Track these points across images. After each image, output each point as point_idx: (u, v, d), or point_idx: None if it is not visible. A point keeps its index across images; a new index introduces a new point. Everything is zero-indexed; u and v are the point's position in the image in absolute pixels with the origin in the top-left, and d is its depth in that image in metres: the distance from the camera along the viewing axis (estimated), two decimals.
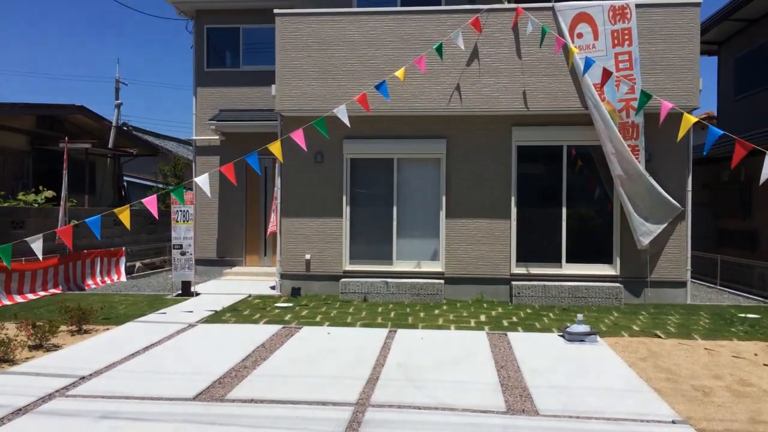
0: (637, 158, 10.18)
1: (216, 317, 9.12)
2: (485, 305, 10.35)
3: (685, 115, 8.42)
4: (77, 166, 17.08)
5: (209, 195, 9.15)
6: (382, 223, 11.15)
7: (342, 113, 9.43)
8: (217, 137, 14.85)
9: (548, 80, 10.38)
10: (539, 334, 8.19)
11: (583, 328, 7.79)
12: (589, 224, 10.86)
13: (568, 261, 10.78)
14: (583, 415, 5.06)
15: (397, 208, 11.10)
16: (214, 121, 14.35)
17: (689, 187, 10.62)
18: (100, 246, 14.22)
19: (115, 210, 8.67)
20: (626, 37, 10.15)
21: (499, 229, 10.87)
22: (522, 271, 10.82)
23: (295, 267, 11.30)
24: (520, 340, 7.77)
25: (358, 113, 10.07)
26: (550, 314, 9.54)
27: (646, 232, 10.34)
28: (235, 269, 14.39)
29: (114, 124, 18.38)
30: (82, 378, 5.94)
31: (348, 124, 9.47)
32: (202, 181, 9.01)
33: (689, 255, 10.64)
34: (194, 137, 15.39)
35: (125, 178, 25.15)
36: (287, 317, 9.17)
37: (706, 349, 7.50)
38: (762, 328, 8.65)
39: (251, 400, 5.31)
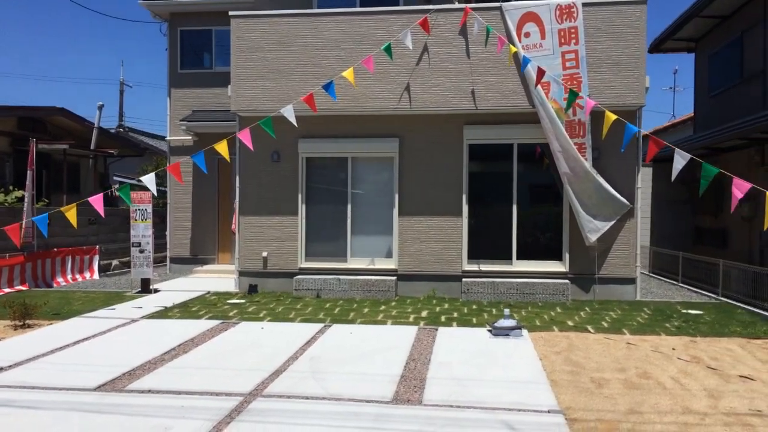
0: (583, 156, 10.28)
1: (162, 313, 9.36)
2: (434, 301, 10.50)
3: (607, 113, 8.53)
4: (58, 167, 17.42)
5: (155, 194, 9.38)
6: (337, 221, 11.33)
7: (289, 113, 9.62)
8: (190, 137, 15.09)
9: (496, 79, 10.49)
10: (471, 329, 8.33)
11: (510, 323, 7.92)
12: (540, 221, 10.97)
13: (518, 258, 10.89)
14: (465, 404, 5.21)
15: (351, 207, 11.27)
16: (185, 122, 14.60)
17: (639, 184, 10.69)
18: (72, 244, 14.53)
19: (62, 209, 8.94)
20: (573, 35, 10.25)
21: (451, 226, 11.01)
22: (473, 268, 10.95)
23: (252, 264, 11.51)
24: (447, 335, 7.91)
25: (313, 113, 10.27)
26: (493, 310, 9.67)
27: (594, 229, 10.43)
28: (206, 267, 14.64)
29: (96, 125, 18.70)
30: (0, 369, 6.18)
31: (295, 124, 9.65)
32: (149, 180, 9.23)
33: (638, 252, 10.72)
34: (168, 138, 15.66)
35: (117, 178, 25.57)
36: (232, 313, 9.38)
37: (628, 343, 7.60)
38: (696, 323, 8.72)
39: (149, 391, 5.51)
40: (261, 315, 9.25)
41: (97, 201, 8.90)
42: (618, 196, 10.40)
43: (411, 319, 8.97)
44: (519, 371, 6.25)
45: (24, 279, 12.20)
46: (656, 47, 18.16)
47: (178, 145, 15.35)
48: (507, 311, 8.16)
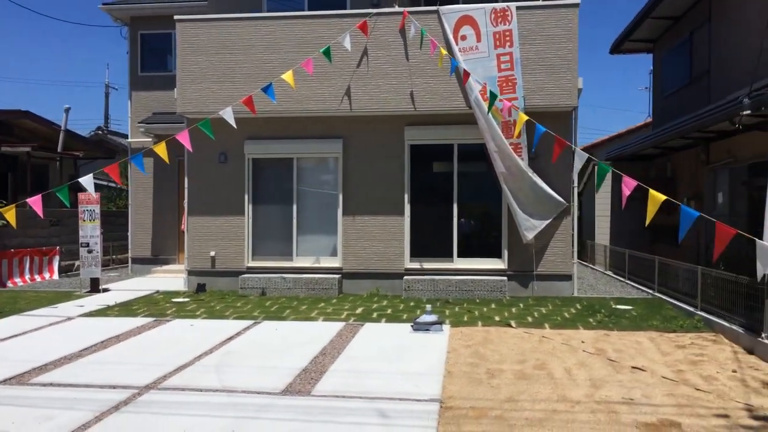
0: (519, 156, 10.51)
1: (101, 312, 9.55)
2: (376, 299, 10.72)
3: (520, 114, 8.76)
4: (23, 169, 17.58)
5: (94, 194, 9.55)
6: (283, 221, 11.54)
7: (228, 115, 9.80)
8: (150, 139, 15.27)
9: (435, 81, 10.72)
10: (397, 324, 8.55)
11: (430, 318, 8.14)
12: (480, 220, 11.19)
13: (459, 256, 11.12)
14: (350, 395, 5.42)
15: (297, 206, 11.49)
16: (144, 124, 14.80)
17: (575, 183, 10.93)
18: (33, 245, 14.70)
19: (1, 210, 9.12)
20: (507, 38, 10.48)
21: (394, 225, 11.23)
22: (416, 266, 11.17)
23: (200, 263, 11.71)
24: (370, 331, 8.13)
25: (259, 114, 10.51)
26: (428, 306, 9.86)
27: (531, 227, 10.66)
28: (166, 267, 14.82)
29: (63, 127, 18.86)
30: None
31: (234, 126, 9.83)
32: (87, 181, 9.42)
33: (575, 249, 10.96)
34: (129, 140, 15.86)
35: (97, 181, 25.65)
36: (170, 311, 9.58)
37: (543, 337, 7.83)
38: (619, 318, 8.96)
39: (50, 384, 5.71)
40: (198, 313, 9.45)
41: (35, 202, 9.06)
42: (554, 194, 10.63)
43: (343, 316, 9.18)
44: (421, 364, 6.47)
45: None
46: (616, 48, 18.43)
47: (138, 147, 15.48)
48: (429, 307, 8.39)
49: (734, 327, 7.58)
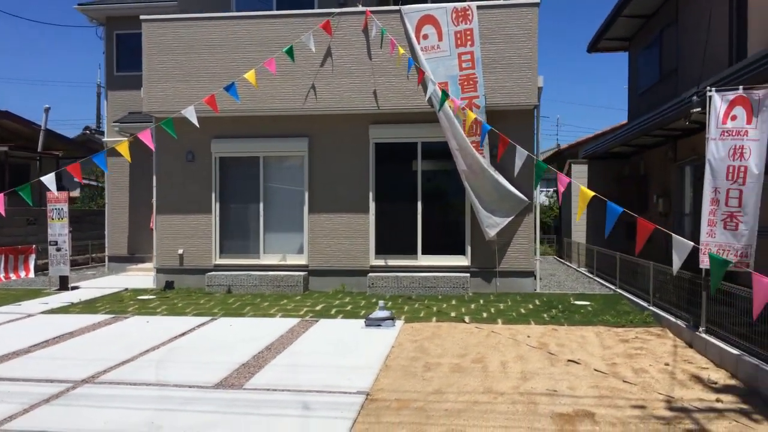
0: (481, 153, 10.60)
1: (63, 309, 9.65)
2: (340, 295, 10.82)
3: (468, 111, 8.89)
4: (0, 169, 17.67)
5: (56, 193, 9.64)
6: (251, 219, 11.65)
7: (191, 114, 9.87)
8: (126, 138, 15.34)
9: (397, 80, 10.82)
10: (351, 320, 8.65)
11: (383, 314, 8.25)
12: (443, 217, 11.31)
13: (423, 253, 11.23)
14: (281, 388, 5.53)
15: (263, 204, 11.59)
16: (118, 123, 14.90)
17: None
18: (10, 243, 14.79)
19: None
20: (468, 37, 10.58)
21: (359, 223, 11.33)
22: (381, 263, 11.28)
23: (169, 261, 11.81)
24: (323, 327, 8.25)
25: (226, 114, 10.63)
26: (389, 303, 9.99)
27: (493, 224, 10.77)
28: (141, 265, 14.92)
29: (43, 127, 18.97)
30: None
31: (197, 125, 9.90)
32: (49, 180, 9.53)
33: (537, 246, 11.07)
34: (106, 139, 15.94)
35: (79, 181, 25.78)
36: (131, 308, 9.68)
37: (492, 332, 7.94)
38: (573, 313, 9.07)
39: None
40: (159, 310, 9.56)
41: None
42: (516, 192, 10.73)
43: (302, 312, 9.29)
44: (362, 358, 6.57)
45: None
46: (593, 47, 18.55)
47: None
48: (381, 303, 8.49)
49: (678, 322, 7.69)
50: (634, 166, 16.36)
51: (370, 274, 11.02)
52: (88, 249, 17.79)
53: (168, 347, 7.10)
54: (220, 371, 6.05)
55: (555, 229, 22.88)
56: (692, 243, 5.20)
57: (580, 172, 18.29)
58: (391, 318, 8.26)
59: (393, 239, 11.33)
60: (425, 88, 10.46)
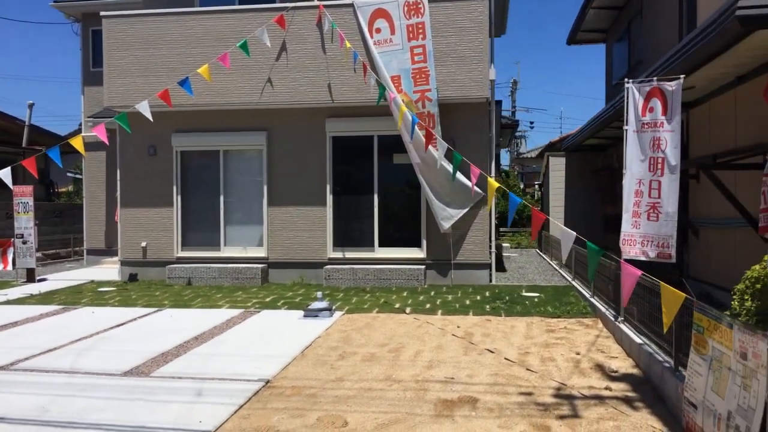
0: (434, 147, 10.67)
1: (20, 300, 9.88)
2: (296, 288, 10.97)
3: (402, 106, 8.92)
4: None
5: (11, 186, 9.83)
6: (211, 212, 11.81)
7: (144, 108, 10.00)
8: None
9: (351, 74, 10.90)
10: (293, 311, 8.80)
11: (321, 305, 8.39)
12: (400, 210, 11.40)
13: (380, 245, 11.34)
14: (185, 376, 5.68)
15: (224, 198, 11.75)
16: (92, 119, 15.11)
17: (492, 173, 11.09)
18: None
19: None
20: (420, 31, 10.64)
21: (317, 216, 11.46)
22: (338, 255, 11.41)
23: (132, 254, 12.02)
24: (261, 317, 8.40)
25: (186, 108, 10.82)
26: (339, 294, 10.13)
27: (447, 216, 10.85)
28: (116, 258, 15.13)
29: (27, 123, 19.26)
30: None
31: (150, 119, 10.03)
32: (4, 174, 9.72)
33: (492, 238, 11.13)
34: (83, 134, 16.15)
35: (71, 174, 26.26)
36: (85, 300, 9.89)
37: (427, 322, 8.05)
38: (515, 305, 9.15)
39: None
40: (111, 301, 9.75)
41: None
42: (470, 184, 10.78)
43: (249, 304, 9.45)
44: (282, 347, 6.71)
45: None
46: (571, 39, 18.51)
47: (90, 141, 15.80)
48: (320, 294, 8.63)
49: (607, 313, 7.75)
50: (608, 158, 16.35)
51: (327, 267, 11.15)
52: (71, 242, 18.09)
53: (99, 336, 7.28)
54: (136, 360, 6.21)
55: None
56: (574, 233, 5.28)
57: (557, 164, 18.31)
58: (329, 309, 8.39)
59: (350, 232, 11.45)
60: (396, 82, 10.56)
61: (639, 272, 4.50)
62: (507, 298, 9.73)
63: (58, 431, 4.35)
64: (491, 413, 4.73)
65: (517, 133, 44.16)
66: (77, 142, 9.76)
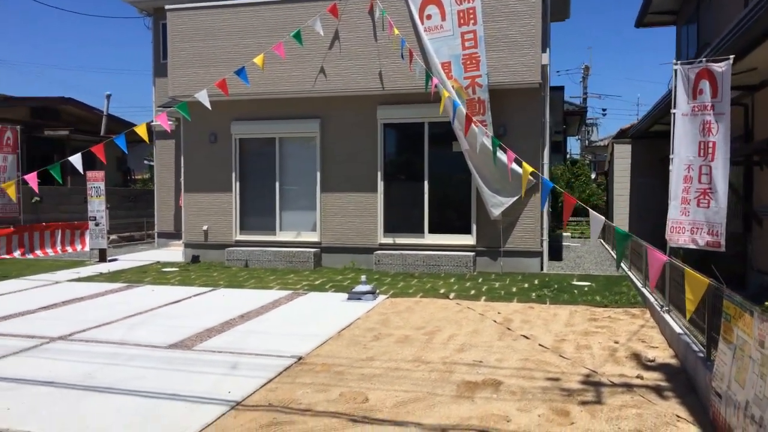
0: (478, 127, 10.59)
1: (89, 278, 10.56)
2: (347, 272, 11.19)
3: (443, 90, 8.85)
4: (63, 151, 19.20)
5: (82, 171, 10.51)
6: (268, 197, 12.20)
7: (203, 98, 10.42)
8: (171, 122, 16.30)
9: (401, 61, 10.93)
10: (337, 294, 9.01)
11: (364, 288, 8.56)
12: (450, 196, 11.40)
13: (430, 232, 11.39)
14: (225, 350, 5.97)
15: (279, 184, 12.11)
16: (162, 108, 15.82)
17: (545, 160, 10.92)
18: (67, 219, 16.15)
19: (4, 185, 10.27)
20: (471, 16, 10.55)
21: (368, 202, 11.63)
22: (389, 241, 11.55)
23: (195, 237, 12.59)
24: (307, 299, 8.67)
25: (244, 97, 11.25)
26: (387, 279, 10.28)
27: (497, 203, 10.77)
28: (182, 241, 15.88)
29: (105, 112, 20.38)
30: None
31: (209, 107, 10.43)
32: (76, 160, 10.40)
33: (544, 226, 10.96)
34: (154, 123, 16.96)
35: (148, 162, 27.61)
36: (147, 279, 10.47)
37: (468, 308, 8.07)
38: (562, 293, 9.01)
39: None
40: (172, 281, 10.28)
41: (31, 178, 10.13)
42: (521, 171, 10.64)
43: (299, 286, 9.73)
44: (320, 327, 6.92)
45: (10, 249, 13.81)
46: (640, 22, 17.81)
47: (161, 130, 16.62)
48: (363, 278, 8.79)
49: (655, 302, 7.53)
50: None
51: (377, 252, 11.31)
52: (144, 226, 19.09)
53: (154, 312, 7.72)
54: (183, 334, 6.57)
55: (603, 212, 22.21)
56: (603, 217, 5.15)
57: (622, 152, 17.71)
58: (372, 292, 8.54)
59: (401, 218, 11.55)
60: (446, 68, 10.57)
61: (665, 257, 4.37)
62: (555, 286, 9.58)
63: (98, 396, 4.69)
64: (513, 396, 4.74)
65: (588, 121, 42.89)
66: (142, 130, 10.28)
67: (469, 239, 11.20)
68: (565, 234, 18.84)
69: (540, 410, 4.45)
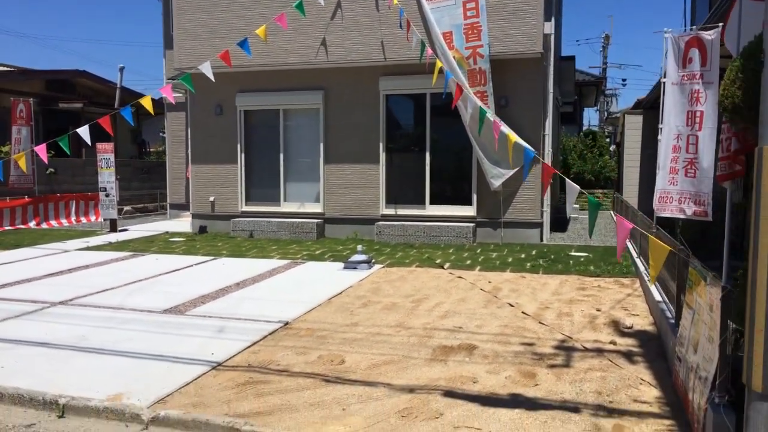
0: (485, 104, 10.61)
1: (98, 247, 10.88)
2: (348, 242, 11.37)
3: (437, 62, 8.86)
4: (78, 124, 19.51)
5: (89, 143, 10.75)
6: (272, 169, 12.37)
7: (206, 69, 10.51)
8: (181, 94, 16.49)
9: (402, 32, 10.92)
10: (334, 263, 9.19)
11: (360, 257, 8.72)
12: (451, 167, 11.46)
13: (431, 203, 11.49)
14: (215, 315, 6.20)
15: (283, 155, 12.26)
16: (172, 80, 15.99)
17: (546, 131, 10.91)
18: (81, 191, 16.53)
19: (15, 156, 10.56)
20: None
21: (370, 173, 11.74)
22: (390, 212, 11.68)
23: (202, 208, 12.84)
24: (305, 267, 8.87)
25: (248, 68, 11.36)
26: (387, 249, 10.43)
27: (497, 175, 10.81)
28: None
29: (119, 85, 20.60)
30: None
31: (212, 79, 10.53)
32: (83, 132, 10.63)
33: (544, 197, 10.99)
34: (164, 95, 17.14)
35: (162, 135, 27.89)
36: (153, 248, 10.75)
37: (459, 277, 8.20)
38: (556, 264, 9.09)
39: None
40: (177, 250, 10.55)
41: (41, 150, 10.41)
42: (522, 142, 10.62)
43: (299, 256, 9.93)
44: (312, 294, 7.11)
45: (26, 219, 14.22)
46: None
47: (169, 102, 16.80)
48: (360, 248, 8.95)
49: (645, 272, 7.58)
50: None
51: (378, 223, 11.45)
52: (157, 197, 19.45)
53: (155, 279, 7.98)
54: (178, 300, 6.81)
55: (615, 184, 22.06)
56: (578, 186, 5.19)
57: (633, 123, 17.51)
58: (367, 262, 8.70)
59: (402, 189, 11.66)
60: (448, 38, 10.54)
61: (631, 225, 4.44)
62: (552, 256, 9.65)
63: (88, 356, 4.94)
64: (485, 360, 4.89)
65: (608, 91, 42.20)
66: (147, 102, 10.45)
67: (469, 210, 11.28)
68: (574, 205, 18.78)
69: (508, 372, 4.60)
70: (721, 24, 6.18)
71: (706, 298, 3.64)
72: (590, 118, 71.32)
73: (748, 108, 2.64)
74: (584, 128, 30.92)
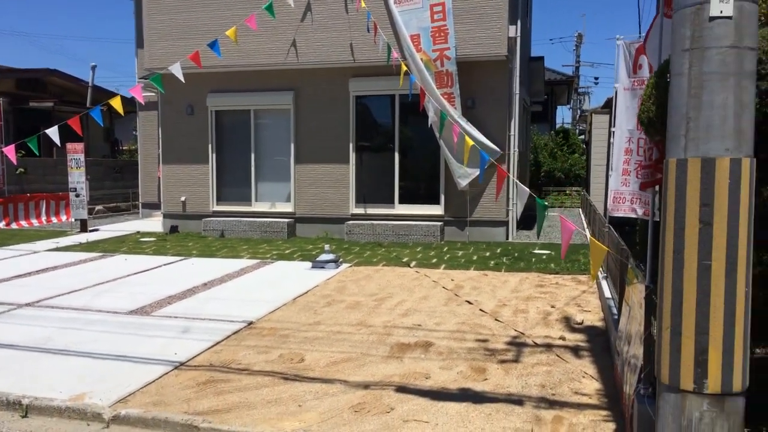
0: (452, 105, 10.83)
1: (68, 248, 10.90)
2: (319, 242, 11.53)
3: (402, 63, 9.05)
4: (49, 123, 19.36)
5: (59, 144, 10.76)
6: (243, 169, 12.47)
7: (177, 70, 10.59)
8: (153, 94, 16.48)
9: (371, 34, 11.10)
10: (303, 263, 9.34)
11: (328, 257, 8.89)
12: (420, 167, 11.68)
13: (400, 202, 11.70)
14: (180, 316, 6.32)
15: (255, 155, 12.37)
16: (143, 80, 15.98)
17: (512, 131, 11.17)
18: (53, 191, 16.43)
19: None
20: None
21: (340, 173, 11.90)
22: (360, 211, 11.86)
23: (173, 207, 12.90)
24: (272, 267, 9.01)
25: (219, 69, 11.43)
26: (356, 248, 10.62)
27: (464, 174, 11.04)
28: None
29: (90, 83, 20.52)
30: None
31: (182, 80, 10.62)
32: (53, 132, 10.63)
33: (511, 196, 11.24)
34: (133, 95, 17.11)
35: (135, 133, 27.72)
36: (123, 249, 10.80)
37: (424, 275, 8.41)
38: (517, 261, 9.35)
39: None
40: (147, 251, 10.62)
41: (9, 151, 10.40)
42: (487, 142, 10.90)
43: (268, 256, 10.07)
44: (278, 294, 7.26)
45: None
46: None
47: (145, 101, 16.77)
48: (327, 247, 9.12)
49: (601, 269, 7.86)
50: None
51: (348, 222, 11.62)
52: (130, 196, 19.39)
53: (122, 280, 8.07)
54: (144, 300, 6.92)
55: (584, 182, 22.48)
56: (528, 190, 5.42)
57: (600, 122, 17.87)
58: (335, 261, 8.88)
59: (372, 189, 11.84)
60: (415, 41, 10.73)
61: (574, 227, 4.68)
62: (516, 254, 9.92)
63: (54, 357, 5.05)
64: (439, 356, 5.10)
65: (580, 90, 42.82)
66: (116, 103, 10.49)
67: (437, 209, 11.51)
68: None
69: (460, 368, 4.81)
70: (643, 36, 6.47)
71: (637, 295, 3.88)
72: (564, 116, 72.27)
73: (661, 123, 2.87)
74: (557, 126, 31.39)
